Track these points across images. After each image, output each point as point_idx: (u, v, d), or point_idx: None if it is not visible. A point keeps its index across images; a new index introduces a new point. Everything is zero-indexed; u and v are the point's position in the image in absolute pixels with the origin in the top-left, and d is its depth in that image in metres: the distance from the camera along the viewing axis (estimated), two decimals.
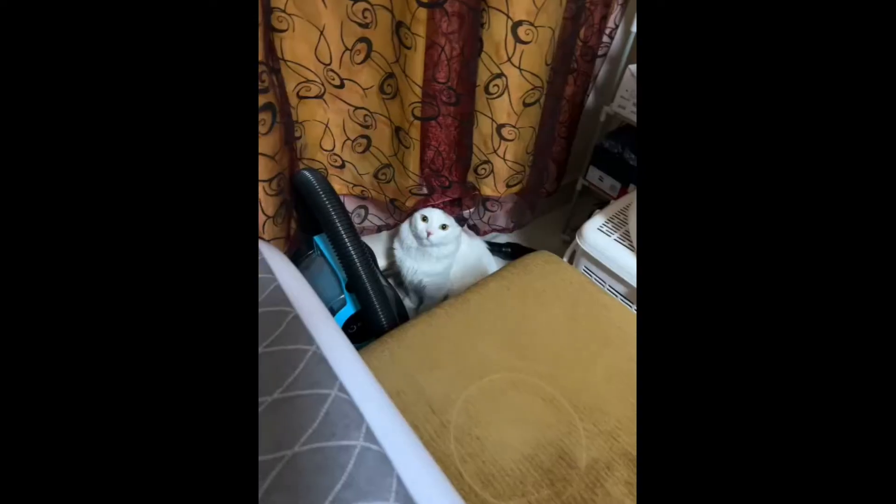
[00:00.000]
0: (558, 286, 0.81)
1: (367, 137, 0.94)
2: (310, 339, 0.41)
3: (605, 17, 0.99)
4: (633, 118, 1.13)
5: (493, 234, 1.22)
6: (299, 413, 0.36)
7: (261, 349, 0.41)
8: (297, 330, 0.42)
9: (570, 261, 1.05)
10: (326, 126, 0.91)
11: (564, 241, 1.47)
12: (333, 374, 0.39)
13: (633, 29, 1.06)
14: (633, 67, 1.10)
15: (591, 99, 1.21)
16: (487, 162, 1.02)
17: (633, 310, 0.85)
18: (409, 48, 0.78)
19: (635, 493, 0.54)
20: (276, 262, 0.51)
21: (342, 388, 0.38)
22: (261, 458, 0.33)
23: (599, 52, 1.05)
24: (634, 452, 0.58)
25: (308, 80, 0.82)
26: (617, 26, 1.04)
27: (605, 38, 1.04)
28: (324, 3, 0.75)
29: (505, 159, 1.00)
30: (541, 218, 1.48)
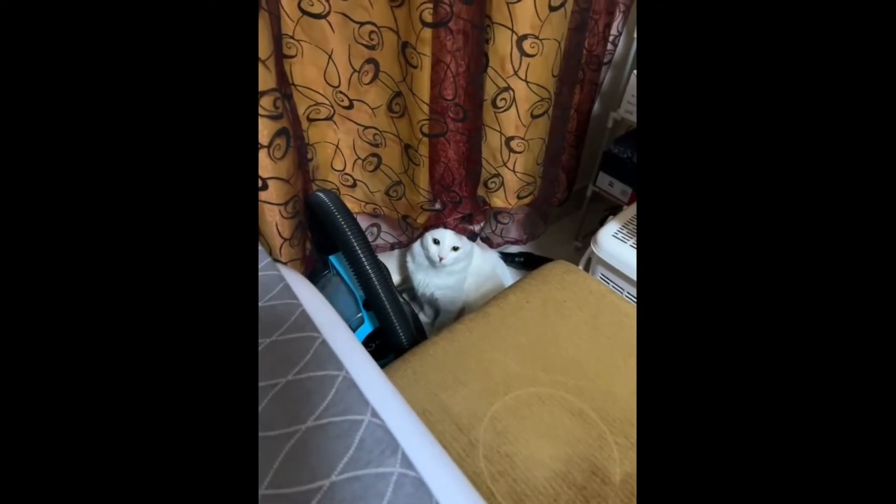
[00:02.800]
0: (578, 296, 0.80)
1: (378, 156, 0.95)
2: (339, 365, 0.41)
3: (608, 25, 0.99)
4: None
5: (507, 245, 1.21)
6: (334, 441, 0.35)
7: (290, 376, 0.40)
8: (326, 355, 0.42)
9: (586, 268, 1.04)
10: (337, 147, 0.92)
11: (577, 248, 1.46)
12: (365, 399, 0.39)
13: (637, 35, 1.06)
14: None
15: (597, 106, 1.21)
16: (497, 175, 1.02)
17: None
18: (415, 67, 0.78)
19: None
20: (299, 286, 0.52)
21: (375, 414, 0.38)
22: (299, 488, 0.33)
23: (605, 60, 1.06)
24: None
25: (318, 103, 0.84)
26: (620, 33, 1.04)
27: (610, 46, 1.04)
28: (331, 27, 0.76)
29: (515, 171, 1.00)
30: (552, 226, 1.47)
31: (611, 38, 1.03)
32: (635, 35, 1.07)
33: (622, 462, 0.57)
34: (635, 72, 1.11)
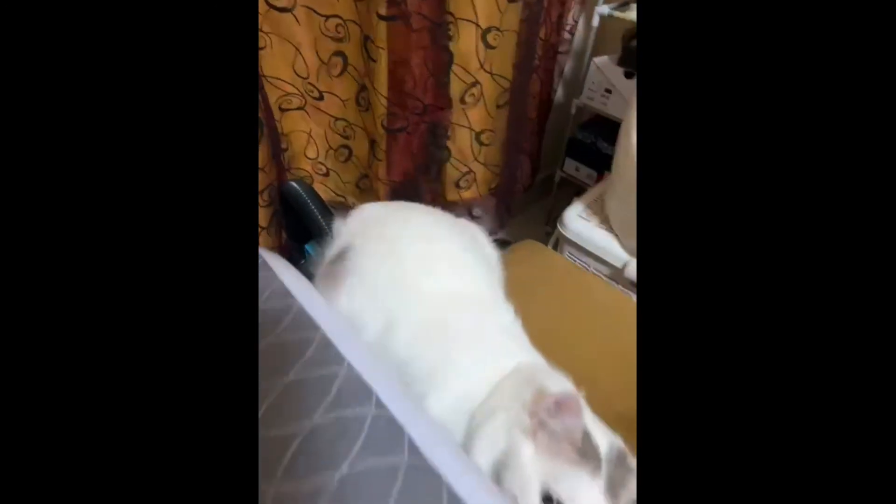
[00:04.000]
0: (545, 272, 0.84)
1: (349, 147, 0.98)
2: (339, 358, 0.42)
3: (562, 15, 1.04)
4: (602, 108, 1.18)
5: None
6: (341, 434, 0.36)
7: (292, 375, 0.41)
8: (327, 349, 0.42)
9: (555, 248, 1.09)
10: (310, 135, 0.94)
11: (548, 232, 1.51)
12: (369, 390, 0.40)
13: (594, 24, 1.10)
14: (597, 60, 1.16)
15: (560, 93, 1.26)
16: (470, 172, 1.04)
17: (617, 288, 0.89)
18: (374, 61, 0.80)
19: (635, 452, 0.57)
20: (272, 260, 0.54)
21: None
22: (314, 478, 0.33)
23: (560, 49, 1.10)
24: (630, 415, 0.60)
25: (288, 94, 0.86)
26: (576, 22, 1.09)
27: (566, 35, 1.09)
28: (296, 20, 0.78)
29: (486, 164, 1.04)
30: (524, 212, 1.52)
31: (567, 28, 1.07)
32: (593, 23, 1.11)
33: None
34: (594, 59, 1.16)
